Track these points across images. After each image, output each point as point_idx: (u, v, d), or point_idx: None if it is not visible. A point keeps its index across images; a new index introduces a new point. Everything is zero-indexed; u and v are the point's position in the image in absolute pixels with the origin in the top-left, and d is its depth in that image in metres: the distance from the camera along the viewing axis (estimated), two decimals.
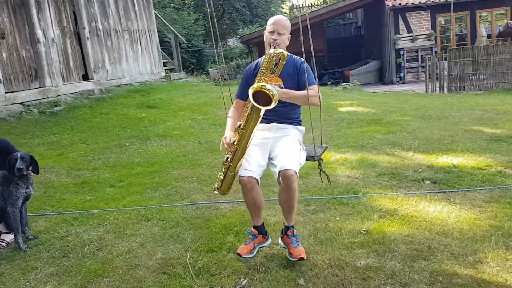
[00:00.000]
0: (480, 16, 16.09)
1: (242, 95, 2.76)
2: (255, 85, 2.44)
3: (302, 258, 2.49)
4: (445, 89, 12.43)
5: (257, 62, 2.81)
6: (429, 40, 15.73)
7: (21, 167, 2.89)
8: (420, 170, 4.23)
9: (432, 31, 15.72)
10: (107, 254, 2.90)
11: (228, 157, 2.56)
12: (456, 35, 16.22)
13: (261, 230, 2.69)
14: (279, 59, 2.57)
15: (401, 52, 15.77)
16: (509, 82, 11.86)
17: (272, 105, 2.39)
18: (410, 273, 2.43)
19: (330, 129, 6.42)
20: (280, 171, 2.43)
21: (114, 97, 9.58)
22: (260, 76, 2.59)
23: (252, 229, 2.70)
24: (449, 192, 3.64)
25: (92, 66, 9.80)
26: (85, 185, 4.47)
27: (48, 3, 8.62)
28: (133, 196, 4.05)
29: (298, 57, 2.77)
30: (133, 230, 3.29)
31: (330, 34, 22.21)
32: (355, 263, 2.57)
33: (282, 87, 2.63)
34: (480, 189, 3.64)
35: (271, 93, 2.40)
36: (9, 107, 7.57)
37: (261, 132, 2.70)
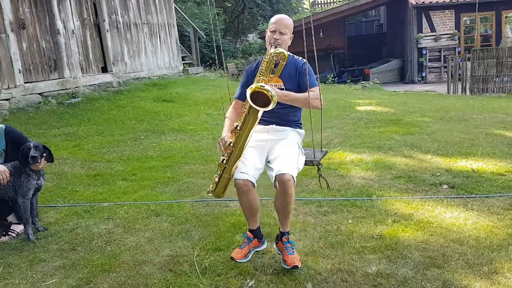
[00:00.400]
0: (506, 17, 15.63)
1: (241, 96, 2.67)
2: (253, 85, 2.36)
3: (296, 266, 2.41)
4: (468, 91, 12.13)
5: (258, 62, 2.72)
6: (452, 39, 15.37)
7: (35, 155, 2.89)
8: (438, 174, 4.10)
9: (456, 31, 15.35)
10: (115, 249, 2.89)
11: (223, 159, 2.49)
12: (481, 35, 15.80)
13: (257, 234, 2.60)
14: (280, 59, 2.50)
15: (424, 51, 15.45)
16: None
17: (271, 107, 2.32)
18: (422, 281, 2.34)
19: (346, 128, 6.31)
20: (276, 175, 2.35)
21: (131, 90, 9.63)
22: (259, 76, 2.52)
23: (248, 232, 2.62)
24: (467, 197, 3.52)
25: (111, 58, 9.86)
26: (98, 177, 4.48)
27: None
28: (144, 190, 4.04)
29: (300, 57, 2.69)
30: (142, 225, 3.27)
31: (352, 31, 21.92)
32: (366, 268, 2.49)
33: (282, 89, 2.56)
34: (499, 196, 3.51)
35: (270, 94, 2.33)
36: (28, 97, 7.67)
37: (259, 134, 2.63)
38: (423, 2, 15.15)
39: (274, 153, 2.52)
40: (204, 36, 15.26)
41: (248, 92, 2.34)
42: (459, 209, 3.27)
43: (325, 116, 7.31)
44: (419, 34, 15.43)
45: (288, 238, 2.54)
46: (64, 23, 8.54)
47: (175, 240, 2.97)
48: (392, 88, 14.04)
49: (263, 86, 2.36)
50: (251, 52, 20.21)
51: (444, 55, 15.17)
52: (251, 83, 2.47)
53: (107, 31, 9.73)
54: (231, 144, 2.43)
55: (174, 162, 4.99)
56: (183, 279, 2.46)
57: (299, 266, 2.43)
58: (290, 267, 2.42)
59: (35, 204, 3.15)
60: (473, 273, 2.40)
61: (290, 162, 2.42)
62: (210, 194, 2.63)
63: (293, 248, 2.51)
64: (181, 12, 14.64)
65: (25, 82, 7.65)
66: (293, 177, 2.35)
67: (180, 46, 13.34)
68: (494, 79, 11.93)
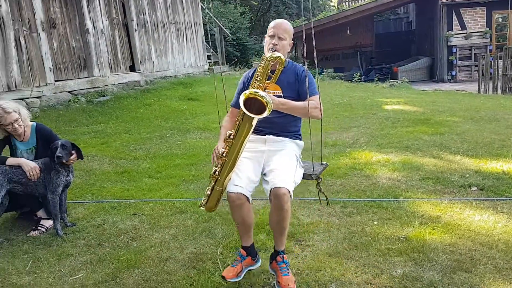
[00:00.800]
0: None
1: (237, 104, 2.45)
2: (247, 91, 2.22)
3: None
4: (499, 90, 11.75)
5: (255, 69, 2.57)
6: (483, 37, 14.92)
7: (60, 155, 2.96)
8: (467, 175, 3.99)
9: (487, 29, 14.89)
10: (140, 245, 2.93)
11: (215, 170, 2.32)
12: None
13: (251, 251, 2.45)
14: (277, 64, 2.36)
15: (454, 50, 15.06)
16: None
17: (265, 114, 2.17)
18: (449, 285, 2.29)
19: (373, 128, 6.21)
20: (271, 189, 2.21)
21: (158, 88, 9.77)
22: (254, 82, 2.37)
23: (241, 249, 2.45)
24: (497, 200, 3.40)
25: (139, 57, 10.02)
26: (125, 174, 4.56)
27: None
28: (169, 188, 4.09)
29: (300, 64, 2.57)
30: (167, 222, 3.31)
31: (380, 28, 21.56)
32: (391, 271, 2.45)
33: (280, 96, 2.43)
34: None
35: (265, 100, 2.19)
36: (58, 95, 7.88)
37: (255, 144, 2.49)
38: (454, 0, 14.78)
39: (270, 165, 2.37)
40: (230, 35, 15.32)
41: (242, 98, 2.19)
42: (489, 212, 3.18)
43: (351, 114, 7.27)
44: (449, 32, 15.04)
45: (283, 257, 2.37)
46: (93, 22, 8.72)
47: (199, 238, 3.00)
48: (421, 86, 13.75)
49: (258, 92, 2.21)
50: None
51: (475, 54, 14.75)
52: None
53: (135, 31, 9.89)
54: (224, 154, 2.28)
55: (198, 160, 5.02)
56: (206, 277, 2.48)
57: None
58: None
59: (64, 200, 3.23)
60: (502, 278, 2.33)
61: (287, 175, 2.27)
62: (202, 208, 2.47)
63: (288, 269, 2.34)
64: (207, 11, 14.74)
65: (55, 81, 7.86)
66: (289, 191, 2.20)
67: (206, 45, 13.43)
68: None
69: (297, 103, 2.41)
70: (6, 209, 3.10)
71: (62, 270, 2.63)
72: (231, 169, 2.30)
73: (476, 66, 14.24)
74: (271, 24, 2.53)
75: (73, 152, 3.10)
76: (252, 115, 2.17)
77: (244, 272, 2.43)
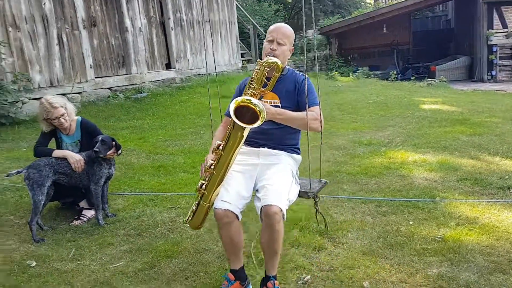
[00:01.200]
0: None
1: None
2: (239, 98, 2.06)
3: None
4: None
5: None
6: None
7: (97, 149, 3.09)
8: (507, 177, 3.87)
9: None
10: (177, 236, 3.02)
11: (202, 184, 2.16)
12: None
13: (240, 275, 2.26)
14: (273, 71, 2.19)
15: (494, 49, 14.50)
16: None
17: (258, 124, 2.00)
18: (485, 286, 2.25)
19: (409, 127, 6.11)
20: (262, 207, 2.05)
21: (192, 86, 9.93)
22: (248, 89, 2.19)
23: (228, 273, 2.27)
24: None
25: (175, 55, 10.22)
26: (161, 168, 4.68)
27: None
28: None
29: (301, 72, 2.41)
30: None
31: (417, 26, 21.02)
32: (426, 270, 2.43)
33: (278, 106, 2.28)
34: None
35: (258, 108, 2.03)
36: (98, 91, 8.15)
37: (248, 157, 2.33)
38: None
39: (263, 180, 2.19)
40: (264, 33, 15.33)
41: (232, 106, 2.02)
42: None
43: (386, 113, 7.17)
44: (490, 30, 14.50)
45: (274, 283, 2.18)
46: (132, 21, 8.97)
47: None
48: (459, 86, 13.35)
49: (250, 100, 2.05)
50: (310, 49, 20.04)
51: None
52: None
53: (172, 29, 10.09)
54: (212, 166, 2.11)
55: None
56: None
57: None
58: None
59: (106, 191, 3.37)
60: None
61: (280, 192, 2.10)
62: (187, 225, 2.33)
63: None
64: (241, 9, 14.83)
65: (95, 77, 8.14)
66: (281, 210, 2.03)
67: (240, 43, 13.53)
68: None
69: (295, 113, 2.25)
70: (51, 199, 3.26)
71: (103, 258, 2.75)
72: (219, 183, 2.12)
73: None
74: (270, 28, 2.37)
75: (112, 147, 3.21)
76: (243, 125, 1.98)
77: None
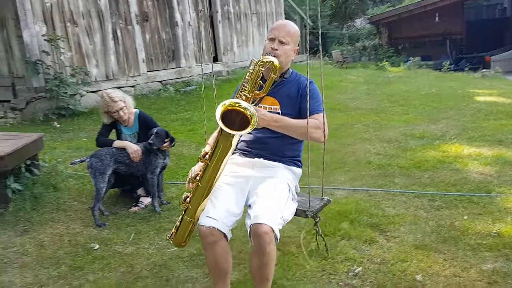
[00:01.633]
0: None
1: None
2: (226, 102, 1.82)
3: None
4: None
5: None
6: None
7: (152, 142, 3.22)
8: None
9: None
10: None
11: (187, 196, 1.96)
12: None
13: None
14: (271, 72, 1.98)
15: None
16: None
17: (247, 130, 1.78)
18: None
19: (464, 120, 5.89)
20: (251, 225, 1.82)
21: (239, 79, 10.02)
22: (240, 92, 1.96)
23: None
24: None
25: (222, 48, 10.37)
26: None
27: None
28: None
29: (306, 76, 2.15)
30: None
31: (471, 15, 20.05)
32: (481, 265, 2.37)
33: (278, 113, 2.07)
34: None
35: (248, 113, 1.80)
36: (150, 85, 8.44)
37: (241, 169, 2.12)
38: None
39: (255, 195, 1.96)
40: (311, 23, 15.22)
41: (219, 110, 1.79)
42: None
43: (439, 105, 6.94)
44: None
45: None
46: (181, 15, 9.17)
47: None
48: None
49: (238, 103, 1.83)
50: (358, 38, 19.66)
51: None
52: None
53: (219, 22, 10.23)
54: (197, 177, 1.91)
55: None
56: (290, 259, 2.57)
57: None
58: None
59: (161, 180, 3.52)
60: None
61: (273, 209, 1.87)
62: (170, 241, 2.13)
63: None
64: (289, 0, 14.75)
65: (147, 71, 8.42)
66: (272, 230, 1.80)
67: None
68: None
69: (294, 121, 2.02)
70: (111, 186, 3.45)
71: (160, 242, 2.89)
72: (204, 196, 1.91)
73: None
74: (273, 25, 2.19)
75: (166, 140, 3.34)
76: (230, 131, 1.75)
77: None
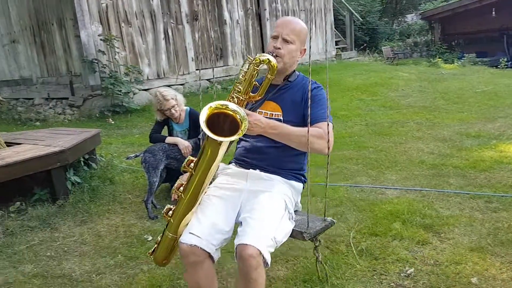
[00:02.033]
0: None
1: None
2: (212, 104, 1.62)
3: None
4: None
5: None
6: None
7: (200, 137, 3.29)
8: None
9: None
10: None
11: (170, 209, 1.76)
12: None
13: None
14: (268, 72, 1.79)
15: None
16: None
17: (236, 137, 1.57)
18: None
19: None
20: (236, 246, 1.62)
21: None
22: (232, 93, 1.77)
23: None
24: None
25: None
26: None
27: None
28: None
29: (314, 81, 1.94)
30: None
31: None
32: None
33: (279, 120, 1.88)
34: None
35: (238, 116, 1.60)
36: (198, 83, 8.62)
37: (235, 180, 1.91)
38: None
39: (246, 211, 1.75)
40: (360, 19, 14.94)
41: (204, 113, 1.59)
42: None
43: (496, 103, 6.61)
44: None
45: None
46: (230, 13, 9.29)
47: None
48: None
49: (226, 105, 1.63)
50: (409, 34, 19.07)
51: None
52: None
53: (267, 20, 10.26)
54: (181, 188, 1.72)
55: None
56: (340, 258, 2.55)
57: None
58: None
59: None
60: None
61: (263, 229, 1.64)
62: (151, 257, 1.91)
63: None
64: None
65: (196, 69, 8.60)
66: (260, 253, 1.57)
67: (334, 31, 13.32)
68: None
69: (295, 129, 1.78)
70: (163, 181, 3.57)
71: None
72: (188, 210, 1.70)
73: None
74: (278, 21, 1.98)
75: None
76: (216, 137, 1.54)
77: None
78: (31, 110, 8.10)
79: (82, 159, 3.84)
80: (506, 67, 12.43)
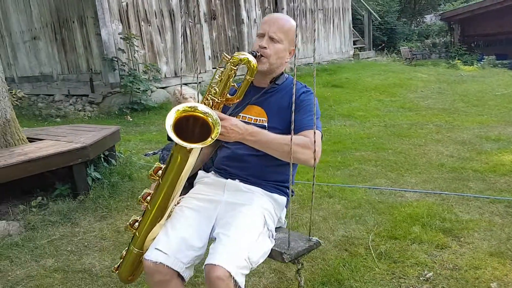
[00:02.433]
0: None
1: None
2: (180, 107, 1.43)
3: None
4: None
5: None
6: None
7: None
8: None
9: None
10: (293, 222, 3.12)
11: (136, 220, 1.60)
12: None
13: None
14: (247, 73, 1.60)
15: None
16: None
17: (207, 142, 1.37)
18: None
19: None
20: (204, 265, 1.44)
21: (302, 75, 9.98)
22: (207, 94, 1.59)
23: None
24: None
25: None
26: None
27: None
28: (316, 172, 4.20)
29: (304, 84, 1.80)
30: (316, 204, 3.45)
31: None
32: None
33: (264, 127, 1.69)
34: None
35: (211, 120, 1.41)
36: None
37: (212, 190, 1.73)
38: None
39: (219, 226, 1.59)
40: (379, 19, 14.82)
41: (171, 117, 1.40)
42: None
43: None
44: None
45: None
46: (247, 12, 9.31)
47: (349, 223, 3.07)
48: None
49: (195, 107, 1.43)
50: (428, 35, 18.86)
51: None
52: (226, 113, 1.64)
53: None
54: (148, 197, 1.56)
55: (344, 148, 5.07)
56: (358, 260, 2.54)
57: None
58: None
59: None
60: None
61: (237, 248, 1.46)
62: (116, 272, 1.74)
63: None
64: None
65: (212, 68, 8.64)
66: (231, 275, 1.39)
67: (352, 30, 13.24)
68: None
69: (277, 136, 1.58)
70: None
71: None
72: (154, 222, 1.53)
73: None
74: (264, 18, 1.79)
75: None
76: (182, 143, 1.36)
77: None
78: (52, 106, 8.24)
79: (102, 156, 3.90)
80: None
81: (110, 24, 7.04)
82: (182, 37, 8.10)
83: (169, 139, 3.50)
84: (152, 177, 1.53)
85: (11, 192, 3.48)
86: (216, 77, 1.61)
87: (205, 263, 1.44)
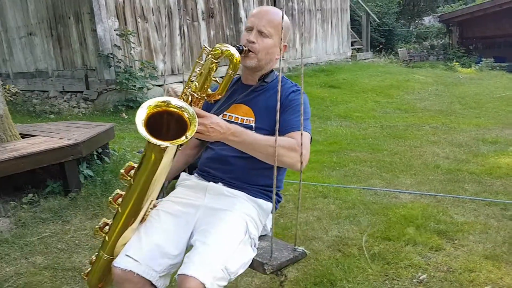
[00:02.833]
0: None
1: None
2: (152, 101, 1.31)
3: None
4: None
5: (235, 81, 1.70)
6: None
7: None
8: None
9: None
10: (287, 222, 3.10)
11: (106, 223, 1.47)
12: None
13: None
14: (230, 68, 1.47)
15: None
16: None
17: (182, 140, 1.25)
18: None
19: None
20: (177, 276, 1.33)
21: (300, 75, 9.97)
22: (186, 89, 1.46)
23: None
24: None
25: None
26: None
27: None
28: (311, 172, 4.21)
29: (294, 83, 1.70)
30: (311, 204, 3.43)
31: None
32: None
33: (251, 127, 1.60)
34: None
35: (186, 115, 1.30)
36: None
37: (192, 193, 1.61)
38: None
39: (197, 233, 1.47)
40: (377, 20, 14.82)
41: (142, 113, 1.28)
42: None
43: None
44: None
45: None
46: (246, 11, 9.27)
47: (342, 223, 3.05)
48: None
49: (168, 101, 1.31)
50: (426, 37, 18.89)
51: None
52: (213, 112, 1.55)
53: None
54: (119, 199, 1.43)
55: (339, 148, 5.05)
56: (351, 261, 2.52)
57: None
58: None
59: None
60: None
61: (213, 257, 1.35)
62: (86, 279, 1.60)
63: None
64: None
65: None
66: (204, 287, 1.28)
67: (350, 31, 13.23)
68: None
69: (261, 137, 1.47)
70: (174, 177, 3.56)
71: None
72: (125, 227, 1.42)
73: None
74: (253, 11, 1.66)
75: None
76: (155, 141, 1.24)
77: None
78: (46, 102, 8.18)
79: (95, 153, 3.86)
80: None
81: (106, 20, 6.99)
82: (180, 34, 8.06)
83: None
84: (123, 178, 1.38)
85: (2, 189, 3.44)
86: (196, 70, 1.47)
87: (177, 273, 1.33)
